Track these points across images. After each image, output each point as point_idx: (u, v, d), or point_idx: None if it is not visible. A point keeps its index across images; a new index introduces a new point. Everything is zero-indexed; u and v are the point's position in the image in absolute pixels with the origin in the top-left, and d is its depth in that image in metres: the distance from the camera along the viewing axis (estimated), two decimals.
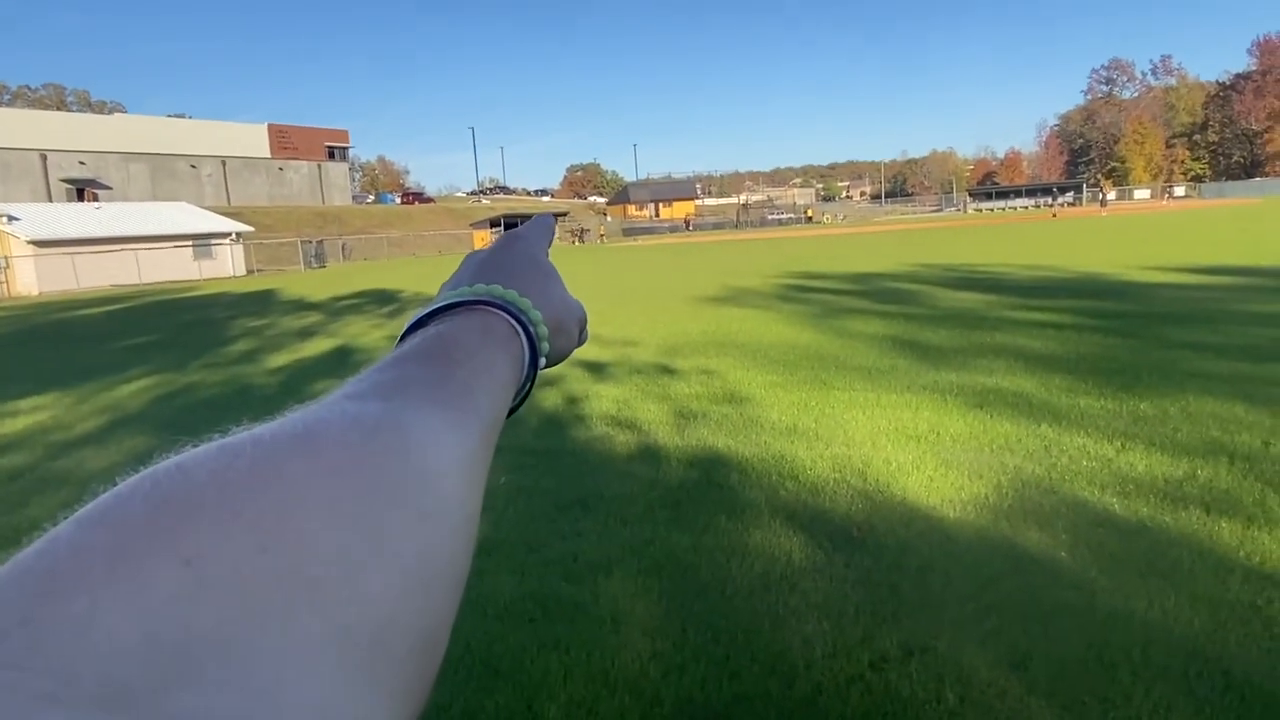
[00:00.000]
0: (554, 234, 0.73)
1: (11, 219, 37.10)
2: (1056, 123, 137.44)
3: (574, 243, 70.71)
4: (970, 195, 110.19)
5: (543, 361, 0.52)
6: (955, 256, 21.98)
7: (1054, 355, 7.55)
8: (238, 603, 0.24)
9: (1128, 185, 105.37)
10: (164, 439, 6.59)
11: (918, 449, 5.00)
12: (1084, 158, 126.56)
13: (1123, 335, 8.37)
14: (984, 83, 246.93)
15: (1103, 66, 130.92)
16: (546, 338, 0.52)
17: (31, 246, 36.16)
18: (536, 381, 0.52)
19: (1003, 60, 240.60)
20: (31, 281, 36.09)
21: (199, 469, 0.27)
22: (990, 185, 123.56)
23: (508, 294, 0.51)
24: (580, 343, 0.65)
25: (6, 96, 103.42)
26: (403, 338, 0.47)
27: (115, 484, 0.27)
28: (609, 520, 4.22)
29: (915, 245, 29.76)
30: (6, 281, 36.37)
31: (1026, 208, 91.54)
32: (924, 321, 10.13)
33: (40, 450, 6.52)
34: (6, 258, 36.37)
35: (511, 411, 0.51)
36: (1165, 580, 3.20)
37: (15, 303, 30.80)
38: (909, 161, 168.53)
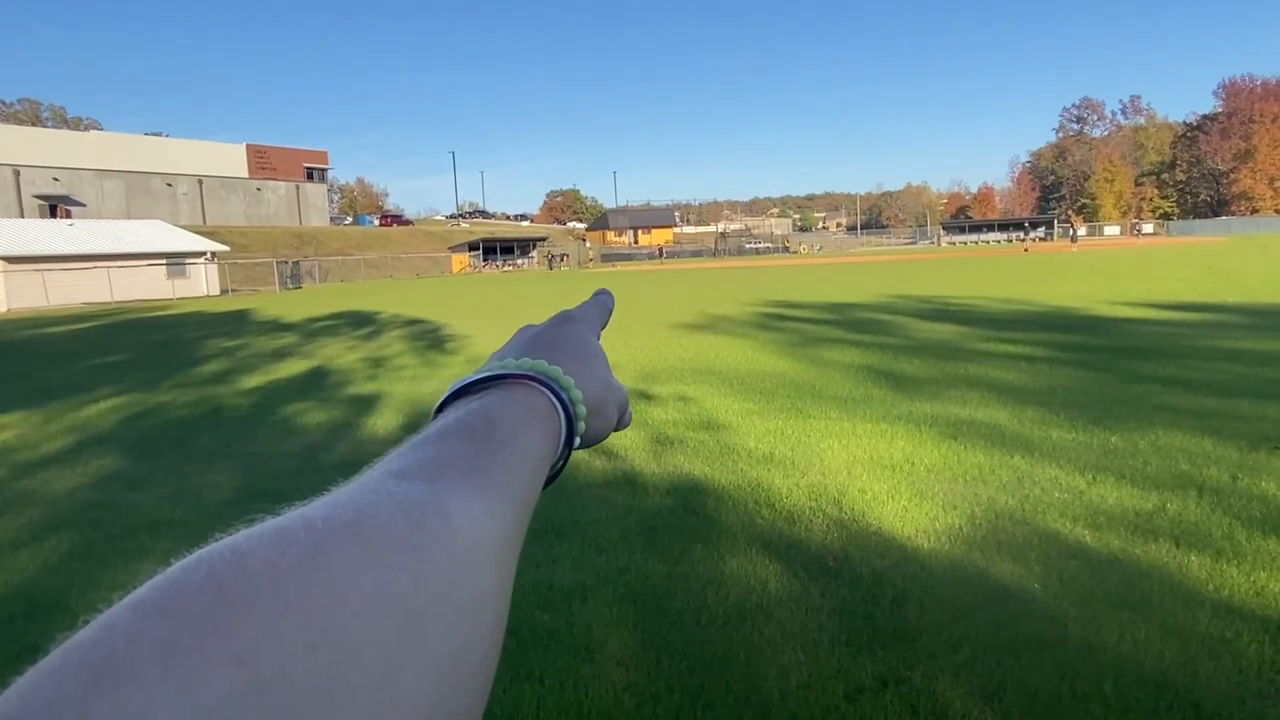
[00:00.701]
0: (610, 314, 0.72)
1: None
2: (1028, 159, 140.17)
3: (549, 268, 70.73)
4: (944, 228, 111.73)
5: (577, 441, 0.52)
6: (929, 288, 22.24)
7: (1026, 387, 7.64)
8: (284, 705, 0.23)
9: (1098, 222, 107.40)
10: (133, 459, 6.50)
11: (893, 479, 5.03)
12: (1055, 194, 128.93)
13: (1093, 369, 8.49)
14: (958, 118, 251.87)
15: (1074, 105, 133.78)
16: (585, 418, 0.52)
17: (2, 262, 35.63)
18: (569, 461, 0.52)
19: (977, 97, 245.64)
20: (0, 298, 35.52)
21: (254, 557, 0.27)
22: (963, 219, 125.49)
23: (553, 370, 0.51)
24: (620, 426, 0.64)
25: None
26: (445, 403, 0.47)
27: (170, 564, 0.27)
28: (584, 547, 4.19)
29: (890, 276, 30.10)
30: None
31: (999, 241, 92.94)
32: (899, 352, 10.22)
33: (4, 469, 6.38)
34: None
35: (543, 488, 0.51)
36: (1136, 613, 3.23)
37: None
38: (884, 194, 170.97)
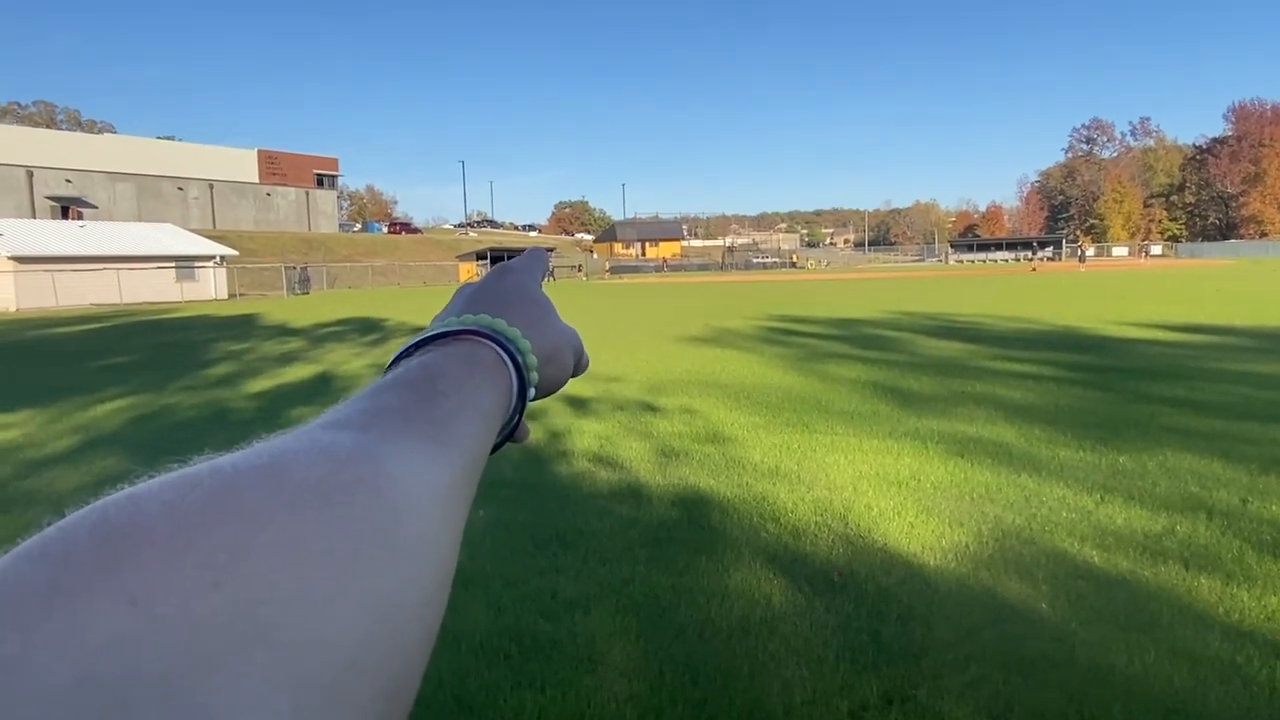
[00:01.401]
0: (548, 266, 0.72)
1: None
2: (1037, 179, 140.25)
3: (548, 280, 70.63)
4: (952, 246, 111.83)
5: (532, 392, 0.51)
6: (936, 305, 22.21)
7: (1034, 406, 7.61)
8: (185, 644, 0.22)
9: (1106, 242, 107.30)
10: (138, 460, 6.49)
11: (899, 495, 5.00)
12: (1064, 214, 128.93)
13: (1101, 389, 8.45)
14: (967, 137, 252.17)
15: (1084, 125, 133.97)
16: (536, 368, 0.51)
17: (12, 262, 35.81)
18: (526, 412, 0.51)
19: (986, 116, 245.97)
20: (10, 298, 35.68)
21: (151, 500, 0.26)
22: (971, 237, 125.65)
23: (496, 323, 0.50)
24: (578, 372, 0.64)
25: None
26: (389, 368, 0.46)
27: (63, 515, 0.26)
28: (588, 557, 4.17)
29: (897, 293, 30.08)
30: None
31: (1007, 260, 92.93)
32: (905, 368, 10.20)
33: (8, 468, 6.39)
34: None
35: (499, 445, 0.50)
36: (1145, 634, 3.19)
37: None
38: (892, 211, 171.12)
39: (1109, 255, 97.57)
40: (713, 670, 3.01)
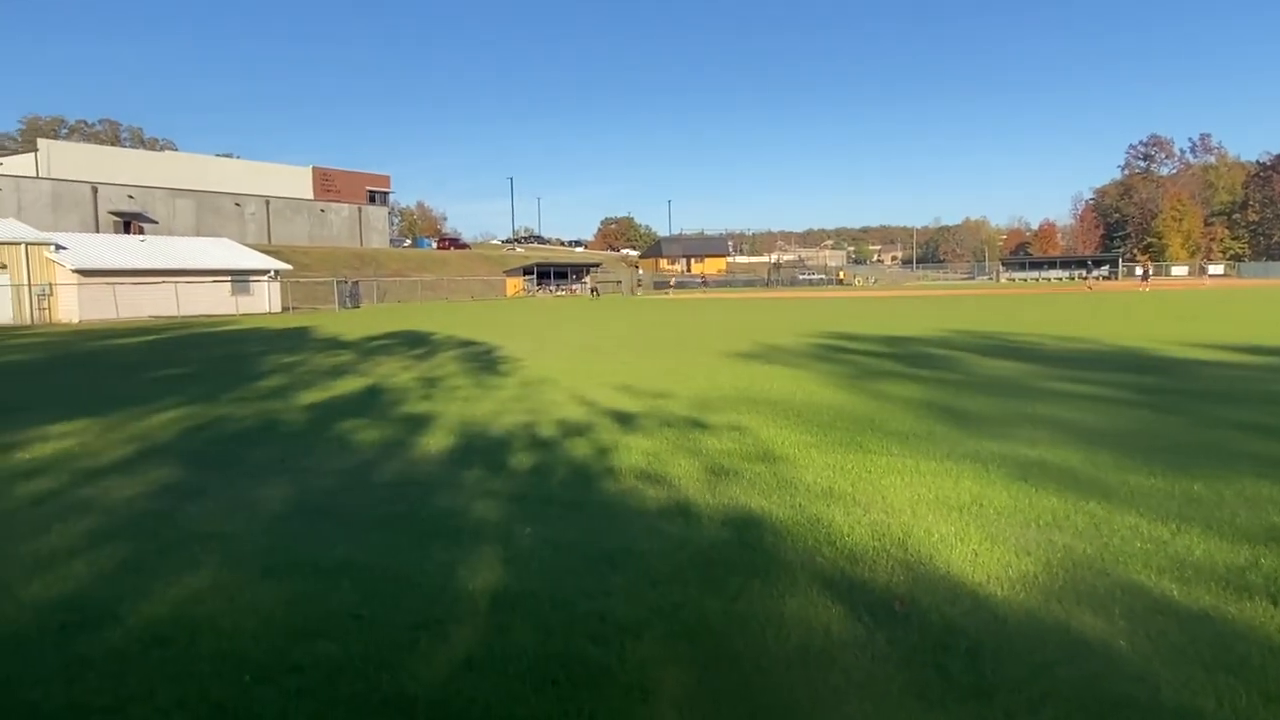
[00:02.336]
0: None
1: (59, 248, 38.00)
2: (1092, 196, 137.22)
3: (592, 296, 70.56)
4: (1003, 264, 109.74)
5: None
6: (989, 324, 21.74)
7: (1098, 429, 7.32)
8: None
9: (1164, 261, 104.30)
10: (190, 471, 6.55)
11: (960, 520, 4.80)
12: (1120, 232, 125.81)
13: (1169, 412, 8.12)
14: (1019, 153, 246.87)
15: (1141, 142, 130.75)
16: None
17: (75, 275, 36.93)
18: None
19: (1040, 131, 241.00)
20: (73, 309, 36.77)
21: None
22: (1024, 255, 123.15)
23: None
24: None
25: (64, 130, 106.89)
26: None
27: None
28: (638, 580, 4.05)
29: (948, 311, 29.54)
30: (49, 308, 37.11)
31: (1060, 279, 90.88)
32: (960, 388, 9.93)
33: (66, 476, 6.48)
34: (51, 285, 37.16)
35: None
36: (1234, 676, 2.98)
37: (55, 330, 31.35)
38: (942, 228, 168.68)
39: (1167, 274, 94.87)
40: (771, 703, 2.87)
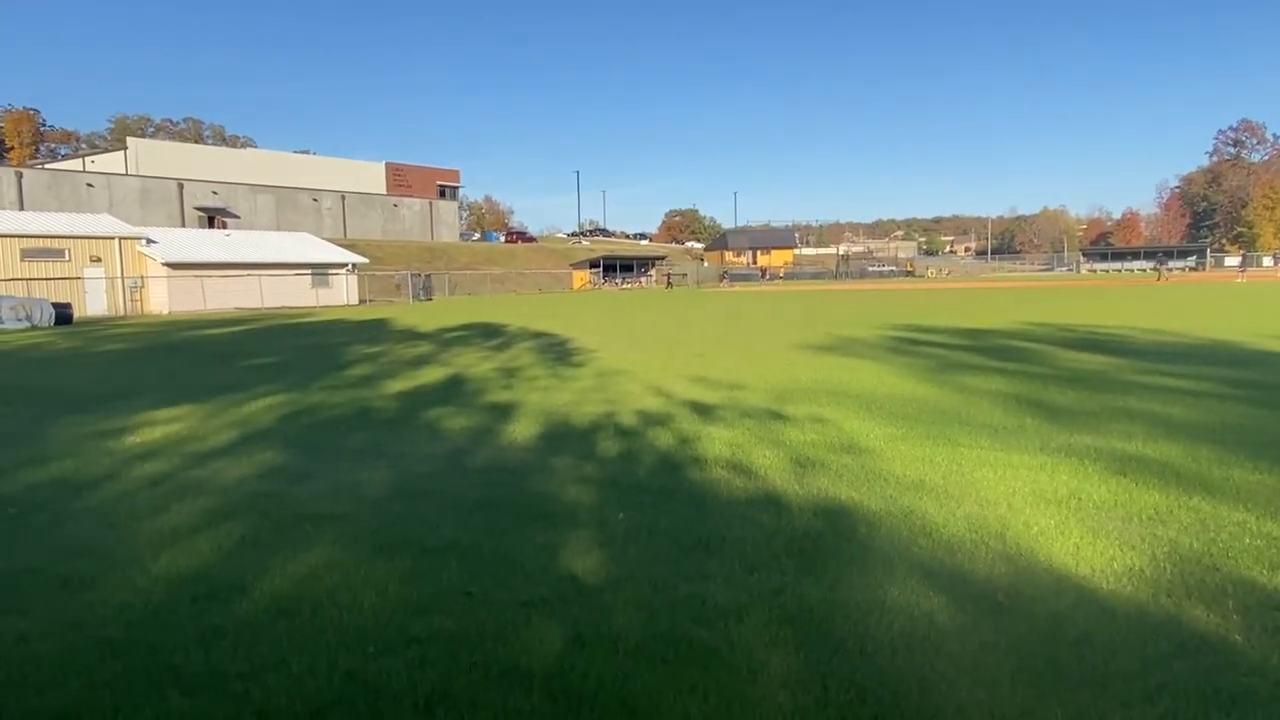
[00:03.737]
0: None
1: (149, 242, 39.71)
2: (1178, 184, 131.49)
3: (668, 286, 71.20)
4: (1083, 255, 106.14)
5: None
6: (1071, 317, 21.13)
7: (1197, 424, 7.11)
8: None
9: (1255, 252, 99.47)
10: (292, 455, 6.84)
11: (1059, 514, 4.74)
12: (1207, 221, 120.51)
13: (1270, 406, 7.84)
14: (1101, 139, 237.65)
15: (1230, 127, 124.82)
16: None
17: (165, 268, 38.57)
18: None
19: (1122, 117, 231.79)
20: (163, 301, 38.41)
21: None
22: (1104, 246, 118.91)
23: None
24: None
25: (151, 129, 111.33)
26: None
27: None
28: (734, 565, 4.11)
29: (1026, 303, 28.79)
30: (141, 300, 38.83)
31: (1144, 270, 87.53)
32: (1048, 381, 9.72)
33: (177, 459, 6.83)
34: (143, 277, 38.88)
35: None
36: None
37: (147, 320, 32.80)
38: (1018, 218, 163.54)
39: (1258, 265, 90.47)
40: (880, 687, 2.91)
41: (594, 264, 74.74)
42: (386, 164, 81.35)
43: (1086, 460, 5.91)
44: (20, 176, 55.39)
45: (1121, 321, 19.00)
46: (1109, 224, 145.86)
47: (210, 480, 6.09)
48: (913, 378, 10.36)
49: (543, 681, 3.00)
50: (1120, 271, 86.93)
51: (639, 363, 12.94)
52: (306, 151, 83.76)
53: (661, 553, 4.33)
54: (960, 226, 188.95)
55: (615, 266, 76.73)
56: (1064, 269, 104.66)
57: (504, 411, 8.71)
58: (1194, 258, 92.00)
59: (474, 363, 13.61)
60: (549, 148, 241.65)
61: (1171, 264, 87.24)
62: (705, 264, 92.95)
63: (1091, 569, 3.91)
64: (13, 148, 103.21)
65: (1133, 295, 33.85)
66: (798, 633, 3.37)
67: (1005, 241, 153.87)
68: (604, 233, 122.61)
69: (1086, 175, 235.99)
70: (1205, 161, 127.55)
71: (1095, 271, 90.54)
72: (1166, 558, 4.03)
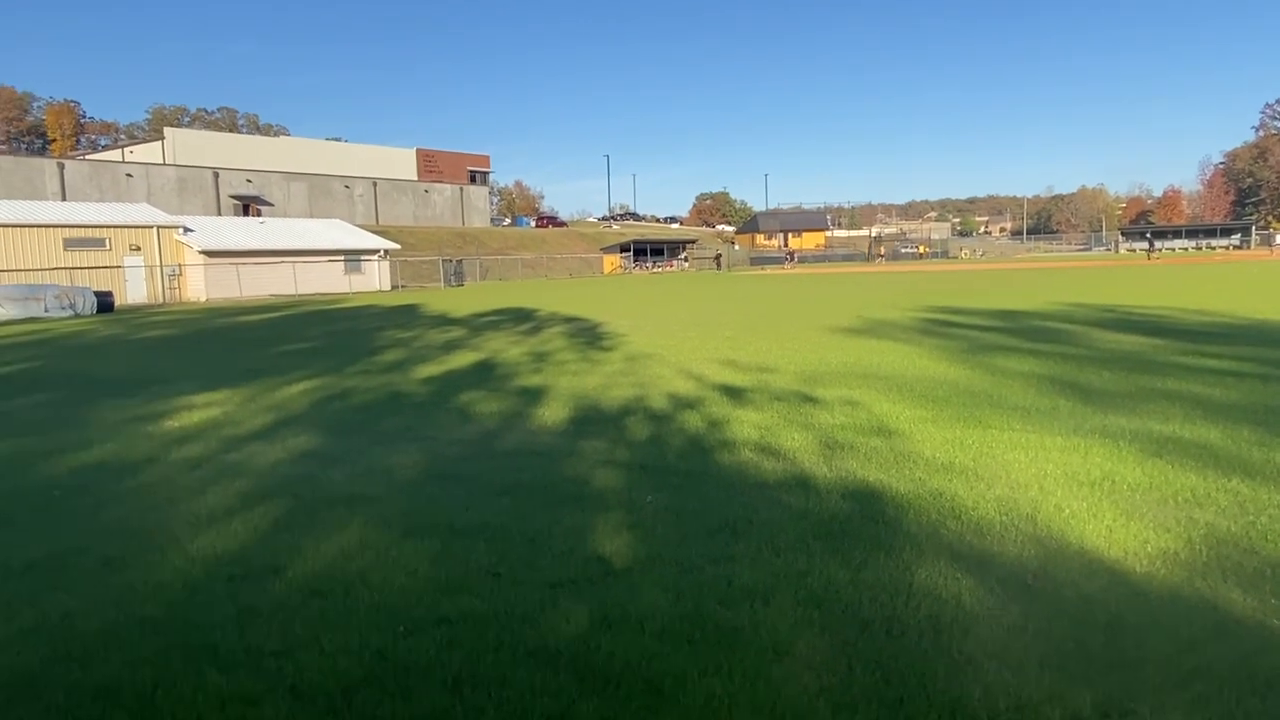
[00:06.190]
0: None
1: (187, 230, 40.33)
2: (1222, 160, 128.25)
3: (716, 269, 71.11)
4: (1123, 234, 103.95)
5: None
6: (1109, 297, 20.75)
7: (1237, 405, 6.96)
8: None
9: None
10: (326, 438, 6.93)
11: (1092, 496, 4.68)
12: (1253, 198, 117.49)
13: None
14: (1141, 115, 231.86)
15: (1277, 101, 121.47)
16: None
17: (202, 256, 39.17)
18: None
19: (1162, 91, 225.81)
20: (200, 288, 39.04)
21: None
22: (1145, 224, 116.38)
23: None
24: None
25: (186, 119, 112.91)
26: None
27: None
28: (761, 547, 4.12)
29: (1063, 284, 28.31)
30: (179, 287, 39.50)
31: (1186, 249, 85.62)
32: (1082, 362, 9.57)
33: (215, 443, 6.96)
34: (180, 265, 39.52)
35: None
36: None
37: (185, 307, 33.39)
38: (1055, 197, 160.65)
39: None
40: (906, 669, 2.90)
41: (624, 248, 74.63)
42: (417, 150, 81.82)
43: (1121, 442, 5.82)
44: (62, 167, 56.48)
45: (1158, 301, 18.63)
46: (1149, 202, 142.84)
47: (246, 463, 6.20)
48: (944, 360, 10.26)
49: (570, 661, 3.03)
50: (1161, 251, 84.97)
51: (668, 346, 12.93)
52: (338, 139, 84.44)
53: (689, 535, 4.34)
54: (995, 206, 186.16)
55: (646, 250, 76.57)
56: (1102, 248, 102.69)
57: (534, 395, 8.76)
58: (1238, 236, 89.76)
59: (504, 347, 13.69)
60: (579, 132, 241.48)
61: (1214, 243, 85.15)
62: (736, 247, 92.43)
63: (1124, 552, 3.86)
64: (55, 139, 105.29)
65: (1173, 275, 33.13)
66: (824, 614, 3.37)
67: (1041, 221, 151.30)
68: (634, 217, 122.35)
69: (1126, 152, 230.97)
70: (1251, 136, 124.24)
71: (1134, 251, 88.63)
72: (1203, 540, 3.96)
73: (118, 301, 32.69)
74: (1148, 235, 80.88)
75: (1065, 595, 3.44)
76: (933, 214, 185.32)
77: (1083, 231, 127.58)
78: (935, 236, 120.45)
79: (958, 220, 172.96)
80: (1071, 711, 2.61)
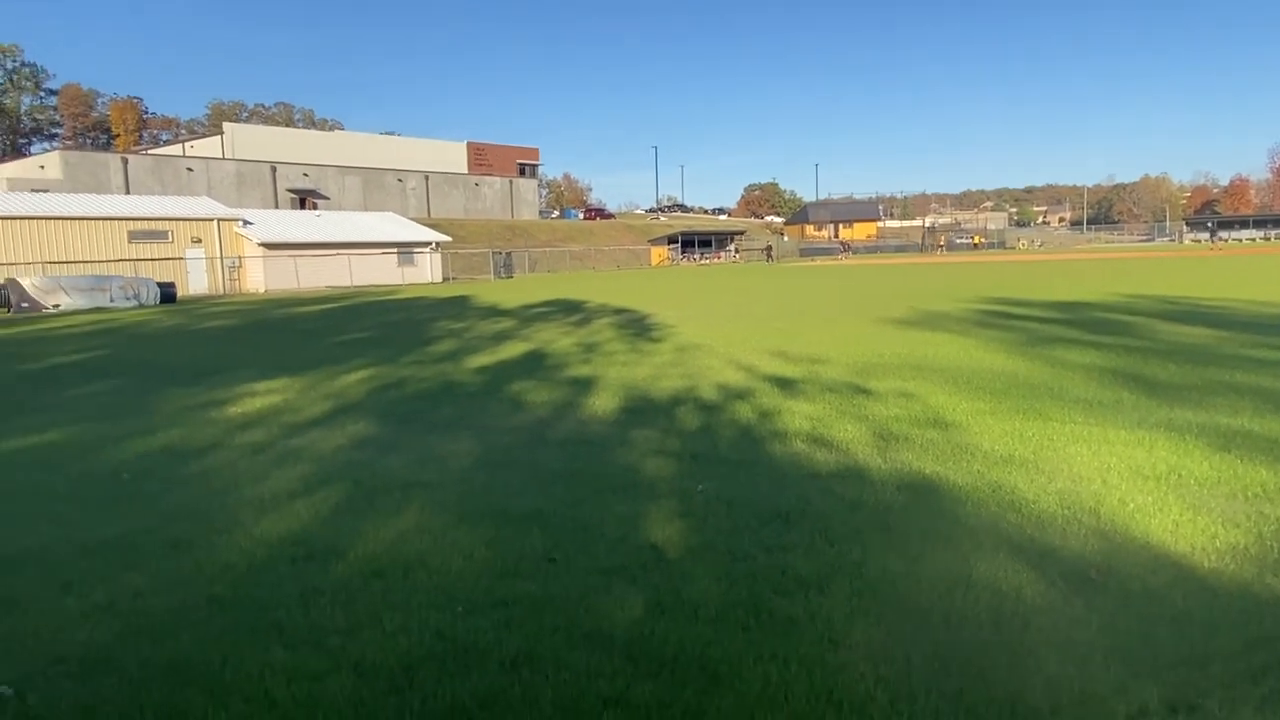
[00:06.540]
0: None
1: (246, 223, 41.32)
2: None
3: (767, 261, 70.54)
4: (1187, 224, 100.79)
5: None
6: (1173, 288, 20.15)
7: None
8: None
9: None
10: (382, 426, 7.07)
11: (1157, 490, 4.56)
12: None
13: None
14: (1206, 103, 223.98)
15: None
16: None
17: (261, 248, 40.09)
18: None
19: (1230, 77, 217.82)
20: (260, 280, 39.99)
21: None
22: (1210, 214, 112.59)
23: None
24: None
25: (244, 114, 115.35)
26: None
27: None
28: (814, 537, 4.10)
29: (1124, 275, 27.53)
30: (239, 279, 40.51)
31: (1254, 240, 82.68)
32: (1146, 355, 9.31)
33: (276, 429, 7.14)
34: (240, 257, 40.52)
35: None
36: None
37: (246, 298, 34.22)
38: (1116, 186, 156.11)
39: None
40: (964, 660, 2.87)
41: (672, 240, 74.54)
42: (468, 143, 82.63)
43: (1188, 436, 5.66)
44: (126, 162, 58.26)
45: (1224, 293, 18.03)
46: (1215, 191, 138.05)
47: (306, 449, 6.35)
48: (1002, 352, 10.06)
49: (624, 645, 3.05)
50: (1228, 241, 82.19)
51: (718, 337, 12.90)
52: (392, 133, 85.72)
53: (741, 524, 4.34)
54: (1054, 196, 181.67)
55: (693, 242, 76.40)
56: (1166, 239, 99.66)
57: (584, 385, 8.81)
58: None
59: (554, 338, 13.79)
60: (627, 124, 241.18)
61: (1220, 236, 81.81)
62: (785, 238, 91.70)
63: (1191, 546, 3.76)
64: (118, 135, 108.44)
65: (1239, 266, 32.02)
66: (880, 605, 3.34)
67: (1102, 211, 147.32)
68: (682, 208, 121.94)
69: (1191, 140, 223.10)
70: None
71: (1199, 242, 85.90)
72: (1274, 536, 3.84)
73: (180, 292, 33.63)
74: (1209, 225, 78.28)
75: (1130, 589, 3.36)
76: (989, 204, 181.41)
77: (1145, 222, 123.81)
78: (991, 227, 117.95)
79: (1014, 210, 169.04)
80: (1138, 705, 2.56)
